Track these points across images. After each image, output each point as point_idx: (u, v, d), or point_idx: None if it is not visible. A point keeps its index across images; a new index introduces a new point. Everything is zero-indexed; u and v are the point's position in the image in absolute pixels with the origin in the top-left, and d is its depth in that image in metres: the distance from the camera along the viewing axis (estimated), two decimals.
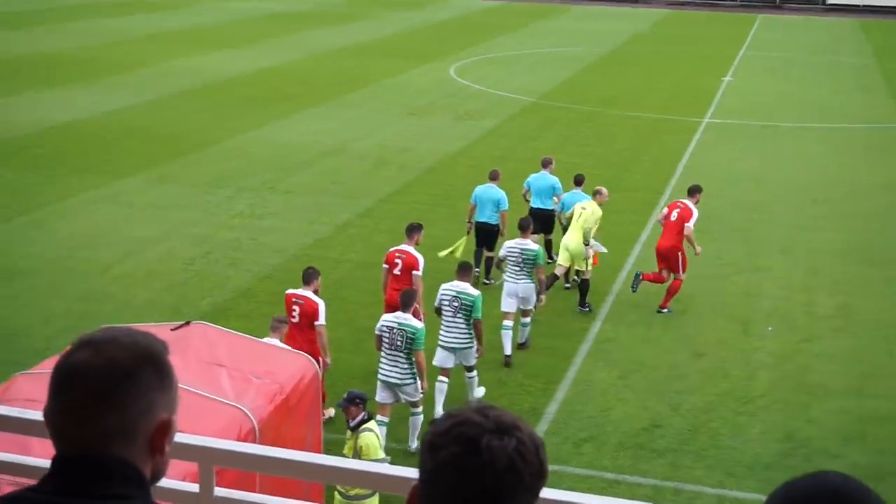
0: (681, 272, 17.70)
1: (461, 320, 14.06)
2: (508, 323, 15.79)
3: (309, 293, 13.81)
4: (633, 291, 17.96)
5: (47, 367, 9.51)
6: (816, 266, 20.44)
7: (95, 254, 19.67)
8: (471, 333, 14.10)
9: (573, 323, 17.29)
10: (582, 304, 17.73)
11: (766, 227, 22.76)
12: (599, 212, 17.61)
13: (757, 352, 16.51)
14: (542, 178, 19.44)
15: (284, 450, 3.65)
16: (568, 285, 18.63)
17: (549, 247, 19.20)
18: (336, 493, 11.02)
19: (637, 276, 17.94)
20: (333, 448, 12.12)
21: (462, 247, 17.91)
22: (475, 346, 14.10)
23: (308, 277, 14.10)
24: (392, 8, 66.34)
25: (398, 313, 13.18)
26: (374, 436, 11.01)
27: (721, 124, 33.86)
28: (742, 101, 38.18)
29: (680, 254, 17.63)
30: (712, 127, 33.40)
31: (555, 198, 19.13)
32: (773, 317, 17.88)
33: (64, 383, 2.39)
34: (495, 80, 40.72)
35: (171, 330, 10.74)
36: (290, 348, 12.06)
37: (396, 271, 15.29)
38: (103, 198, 23.14)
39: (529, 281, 15.97)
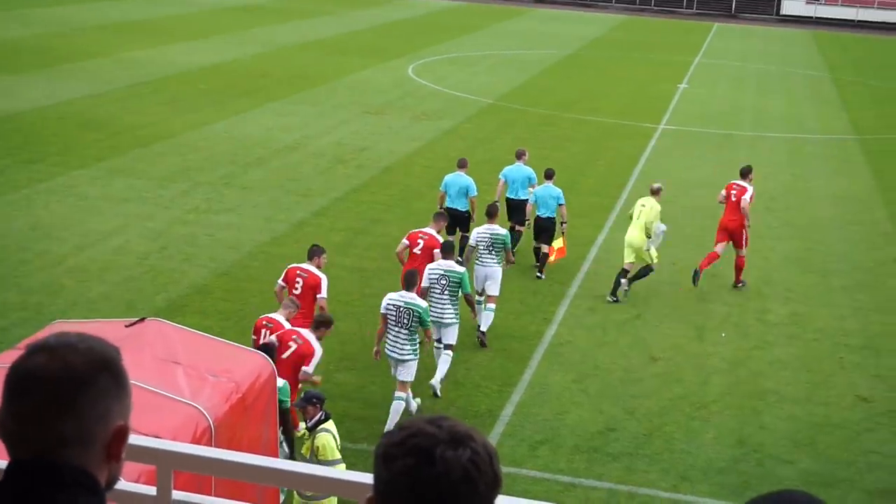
0: (743, 248, 19.42)
1: (447, 298, 14.88)
2: (481, 298, 16.72)
3: (312, 268, 14.36)
4: (695, 285, 19.17)
5: (3, 360, 9.37)
6: (770, 274, 20.65)
7: (49, 246, 19.44)
8: (456, 311, 14.93)
9: (529, 326, 17.34)
10: (631, 281, 18.71)
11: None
12: (658, 207, 18.73)
13: (711, 357, 16.65)
14: (518, 170, 20.22)
15: (243, 454, 3.63)
16: (540, 275, 19.43)
17: (518, 237, 19.85)
18: (295, 492, 10.98)
19: (696, 272, 19.17)
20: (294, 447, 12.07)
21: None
22: (458, 324, 15.07)
23: (311, 253, 14.70)
24: (352, 5, 66.17)
25: (403, 293, 13.80)
26: (330, 436, 10.98)
27: (676, 131, 34.12)
28: (697, 109, 38.50)
29: (744, 230, 19.35)
30: (668, 133, 33.66)
31: (529, 188, 19.84)
32: (727, 323, 18.05)
33: (19, 388, 2.36)
34: (454, 80, 40.76)
35: (126, 326, 10.63)
36: (248, 348, 11.96)
37: (416, 250, 15.99)
38: (57, 189, 22.87)
39: (497, 264, 16.81)
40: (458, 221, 19.17)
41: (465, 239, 18.76)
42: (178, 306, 17.06)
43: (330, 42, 49.19)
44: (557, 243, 18.97)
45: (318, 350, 12.58)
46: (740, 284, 19.59)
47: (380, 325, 13.92)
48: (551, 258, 18.99)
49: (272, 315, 13.14)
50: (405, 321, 13.61)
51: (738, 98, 41.54)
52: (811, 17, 76.05)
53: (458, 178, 19.45)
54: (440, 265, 15.06)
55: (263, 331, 12.87)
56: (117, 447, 2.41)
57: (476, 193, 19.31)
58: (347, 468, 10.57)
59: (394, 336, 13.70)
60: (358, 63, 42.91)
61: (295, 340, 12.58)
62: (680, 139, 32.91)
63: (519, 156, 20.57)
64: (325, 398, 11.38)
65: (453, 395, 14.54)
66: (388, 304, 13.74)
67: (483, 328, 16.42)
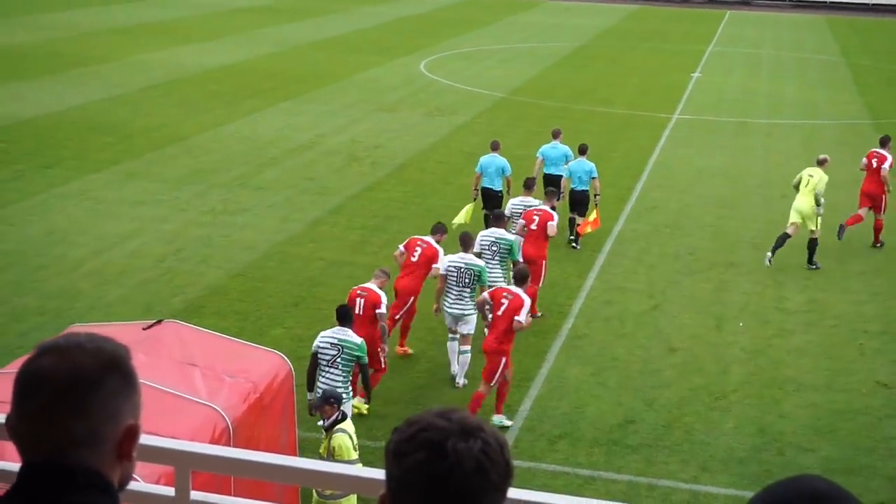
0: (882, 212, 21.20)
1: (496, 263, 16.02)
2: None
3: (432, 240, 15.49)
4: (840, 239, 20.85)
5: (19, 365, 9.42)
6: (787, 261, 20.55)
7: (66, 251, 19.51)
8: (505, 277, 15.97)
9: (546, 320, 17.31)
10: (810, 261, 20.05)
11: (736, 223, 22.87)
12: (826, 177, 20.01)
13: (730, 347, 16.59)
14: (554, 148, 21.72)
15: (260, 453, 3.63)
16: (576, 246, 20.70)
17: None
18: (314, 491, 10.98)
19: (841, 227, 20.86)
20: (310, 446, 12.09)
21: (471, 212, 19.56)
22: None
23: (435, 229, 15.84)
24: (362, 2, 66.17)
25: (462, 254, 15.19)
26: (346, 436, 10.94)
27: (691, 120, 34.01)
28: (711, 97, 38.37)
29: (884, 196, 21.11)
30: (682, 123, 33.55)
31: (564, 165, 21.21)
32: (745, 312, 17.98)
33: (29, 390, 2.36)
34: (466, 75, 40.71)
35: (143, 329, 10.67)
36: (264, 348, 11.97)
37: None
38: (72, 194, 22.95)
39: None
40: (493, 200, 20.21)
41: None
42: (196, 308, 17.10)
43: (340, 40, 49.21)
44: (591, 216, 20.23)
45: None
46: (879, 244, 21.38)
47: (439, 284, 15.19)
48: (588, 229, 20.18)
49: (365, 285, 14.17)
50: (466, 280, 14.98)
51: (752, 85, 41.36)
52: (825, 2, 75.65)
53: (494, 159, 20.55)
54: (493, 232, 16.37)
55: (358, 300, 13.89)
56: (128, 446, 2.41)
57: (511, 173, 20.36)
58: (368, 466, 10.57)
59: (456, 294, 15.00)
60: (369, 60, 42.91)
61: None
62: (695, 128, 32.80)
63: (555, 135, 21.98)
64: (343, 398, 11.37)
65: (471, 391, 14.51)
66: (449, 265, 15.08)
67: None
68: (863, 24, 66.55)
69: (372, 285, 14.08)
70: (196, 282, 18.35)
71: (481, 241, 16.07)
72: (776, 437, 13.80)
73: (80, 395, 2.34)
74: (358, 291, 14.03)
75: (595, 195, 20.55)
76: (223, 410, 9.62)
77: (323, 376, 12.59)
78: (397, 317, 15.38)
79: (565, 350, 16.26)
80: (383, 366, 14.18)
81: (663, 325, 17.29)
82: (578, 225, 20.44)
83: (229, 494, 7.53)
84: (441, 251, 15.62)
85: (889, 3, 74.90)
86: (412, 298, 15.51)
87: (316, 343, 12.77)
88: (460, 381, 14.90)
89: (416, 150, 28.39)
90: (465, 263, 15.03)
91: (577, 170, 20.60)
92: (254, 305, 17.41)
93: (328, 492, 10.86)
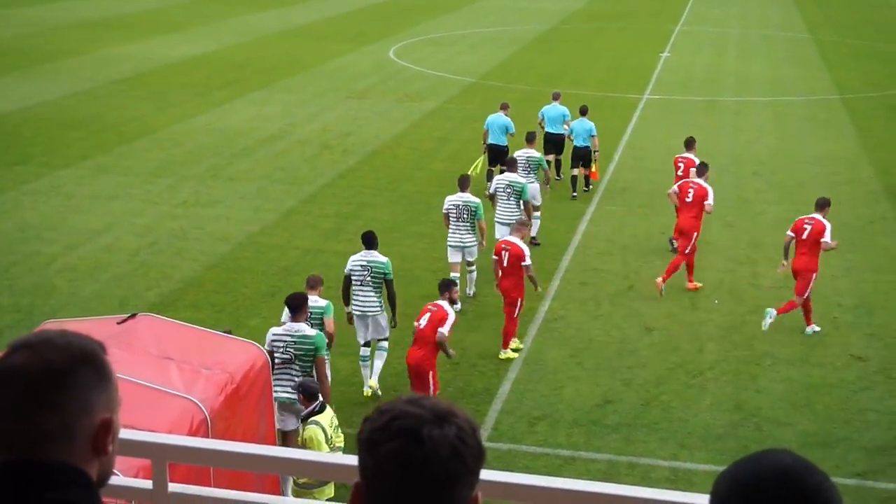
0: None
1: (513, 203, 18.02)
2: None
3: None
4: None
5: None
6: (760, 238, 20.67)
7: (39, 247, 19.38)
8: (520, 213, 17.76)
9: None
10: None
11: None
12: None
13: (705, 325, 16.69)
14: (554, 109, 23.77)
15: (236, 443, 3.63)
16: (575, 196, 22.86)
17: (558, 165, 23.88)
18: (292, 479, 10.96)
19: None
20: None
21: (481, 163, 22.25)
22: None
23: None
24: None
25: (460, 194, 17.00)
26: (318, 429, 10.84)
27: (660, 100, 34.11)
28: (680, 77, 38.48)
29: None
30: (652, 103, 33.64)
31: (564, 124, 23.49)
32: (720, 290, 18.08)
33: (0, 387, 2.35)
34: (435, 61, 40.66)
35: (118, 323, 10.62)
36: (240, 339, 11.94)
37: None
38: (43, 190, 22.79)
39: (534, 179, 19.84)
40: (498, 155, 22.19)
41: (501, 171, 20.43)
42: (171, 301, 17.04)
43: (308, 29, 49.02)
44: (592, 167, 23.02)
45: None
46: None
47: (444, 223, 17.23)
48: (596, 178, 23.38)
49: (508, 238, 15.55)
50: (465, 216, 16.89)
51: (721, 64, 41.51)
52: None
53: (499, 118, 22.64)
54: (506, 176, 18.44)
55: (503, 252, 15.22)
56: (103, 441, 2.39)
57: (514, 132, 22.42)
58: (348, 453, 10.57)
59: (462, 229, 16.90)
60: (338, 48, 42.77)
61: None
62: (665, 108, 32.89)
63: (555, 97, 24.22)
64: (318, 388, 11.25)
65: (450, 375, 14.54)
66: (449, 204, 17.01)
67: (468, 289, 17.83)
68: None
69: (514, 238, 15.35)
70: (171, 275, 18.28)
71: (497, 183, 18.39)
72: (753, 412, 13.91)
73: (51, 390, 2.33)
74: (503, 245, 15.30)
75: (594, 151, 22.92)
76: (200, 402, 9.60)
77: (357, 296, 14.27)
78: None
79: (542, 332, 16.31)
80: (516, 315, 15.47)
81: (638, 305, 17.36)
82: (587, 174, 23.19)
83: (209, 485, 7.51)
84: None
85: None
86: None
87: (348, 266, 14.38)
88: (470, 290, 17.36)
89: (387, 136, 28.34)
90: (463, 201, 17.01)
91: (579, 128, 22.91)
92: (230, 297, 17.36)
93: (302, 480, 10.84)
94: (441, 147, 27.39)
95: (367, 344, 14.40)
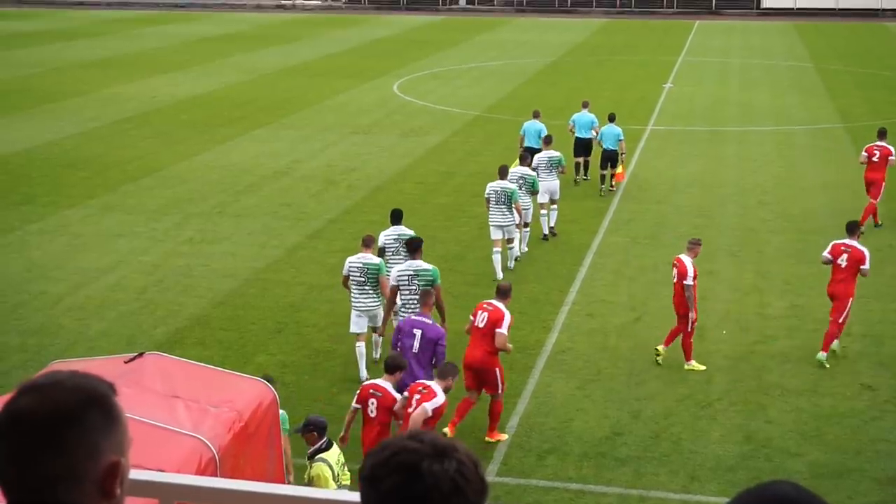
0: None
1: (525, 193, 20.47)
2: (543, 212, 22.39)
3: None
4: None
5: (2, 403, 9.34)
6: (766, 267, 20.64)
7: (45, 287, 19.41)
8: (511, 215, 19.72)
9: (530, 335, 17.32)
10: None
11: (713, 231, 22.94)
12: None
13: (713, 355, 16.63)
14: (583, 116, 26.81)
15: (242, 481, 3.61)
16: (602, 192, 26.02)
17: (587, 166, 26.98)
18: None
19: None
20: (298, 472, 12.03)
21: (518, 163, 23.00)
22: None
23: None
24: (330, 27, 66.34)
25: (499, 181, 19.69)
26: (325, 466, 10.80)
27: (664, 131, 34.17)
28: (684, 107, 38.57)
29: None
30: (656, 134, 33.70)
31: (593, 130, 26.39)
32: (727, 320, 18.03)
33: (8, 430, 2.36)
34: (439, 95, 40.81)
35: (125, 362, 10.60)
36: (247, 376, 11.90)
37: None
38: (49, 230, 22.85)
39: (555, 178, 22.38)
40: (534, 154, 24.53)
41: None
42: (178, 339, 17.03)
43: (311, 65, 49.26)
44: (619, 169, 25.87)
45: None
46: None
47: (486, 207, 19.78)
48: (621, 180, 26.16)
49: (680, 256, 16.13)
50: (503, 200, 19.42)
51: (724, 94, 41.62)
52: (792, 9, 76.25)
53: (534, 124, 25.63)
54: (518, 169, 20.87)
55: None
56: (111, 484, 2.38)
57: (546, 134, 24.43)
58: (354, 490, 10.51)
59: (500, 212, 19.40)
60: (341, 84, 42.96)
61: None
62: (668, 139, 32.95)
63: (584, 105, 27.41)
64: (327, 425, 11.25)
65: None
66: (490, 190, 19.59)
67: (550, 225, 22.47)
68: (830, 28, 67.10)
69: (685, 257, 16.01)
70: (178, 312, 18.28)
71: (490, 189, 19.80)
72: (763, 443, 13.83)
73: (58, 432, 2.33)
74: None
75: (621, 153, 25.85)
76: (208, 440, 9.56)
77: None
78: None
79: (550, 365, 16.26)
80: None
81: (646, 336, 17.31)
82: (613, 176, 25.88)
83: None
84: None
85: (854, 7, 75.52)
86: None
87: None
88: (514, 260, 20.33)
89: (392, 171, 28.40)
90: (502, 187, 19.47)
91: (608, 133, 25.84)
92: (237, 333, 17.35)
93: None
94: (446, 181, 27.44)
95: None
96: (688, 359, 16.05)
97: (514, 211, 19.59)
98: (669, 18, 75.50)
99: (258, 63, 49.36)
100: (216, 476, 9.05)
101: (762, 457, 13.48)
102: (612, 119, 26.38)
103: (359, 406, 12.11)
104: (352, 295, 15.60)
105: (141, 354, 10.91)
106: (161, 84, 42.80)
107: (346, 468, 11.04)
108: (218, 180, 27.19)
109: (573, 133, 26.67)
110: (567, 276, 20.08)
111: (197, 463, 9.27)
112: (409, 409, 11.88)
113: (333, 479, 10.77)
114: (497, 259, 19.73)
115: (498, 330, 13.60)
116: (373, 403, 11.95)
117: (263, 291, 19.23)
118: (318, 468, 10.76)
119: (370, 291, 15.47)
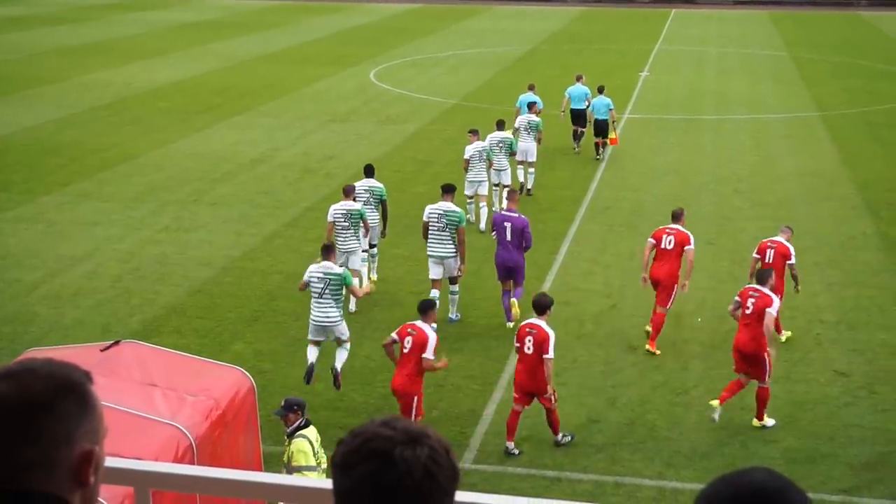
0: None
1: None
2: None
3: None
4: None
5: None
6: (742, 256, 20.73)
7: (20, 274, 19.32)
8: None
9: (506, 323, 17.34)
10: None
11: (690, 220, 22.85)
12: None
13: (689, 343, 16.73)
14: (577, 88, 28.81)
15: (218, 469, 3.62)
16: (599, 157, 28.18)
17: (582, 136, 28.86)
18: None
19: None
20: (274, 460, 12.05)
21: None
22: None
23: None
24: (307, 14, 66.09)
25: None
26: (305, 442, 10.88)
27: (641, 119, 34.26)
28: (660, 96, 38.67)
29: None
30: (633, 122, 33.78)
31: (586, 101, 28.28)
32: (703, 308, 18.13)
33: None
34: (416, 83, 40.76)
35: (101, 350, 10.59)
36: (225, 364, 11.93)
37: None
38: (24, 217, 22.73)
39: (532, 141, 24.39)
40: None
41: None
42: (154, 327, 16.99)
43: (289, 52, 49.09)
44: (612, 134, 27.89)
45: None
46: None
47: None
48: (615, 144, 28.30)
49: (775, 237, 16.62)
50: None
51: (700, 82, 41.74)
52: None
53: (528, 97, 26.60)
54: (496, 134, 22.74)
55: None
56: (85, 472, 2.38)
57: (542, 107, 26.45)
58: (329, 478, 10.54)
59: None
60: (319, 72, 42.84)
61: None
62: (645, 127, 33.04)
63: (578, 78, 29.22)
64: (306, 404, 11.31)
65: (434, 397, 14.54)
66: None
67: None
68: (805, 17, 67.35)
69: (781, 238, 16.57)
70: (154, 300, 18.23)
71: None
72: (738, 429, 13.94)
73: (31, 419, 2.32)
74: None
75: (613, 122, 27.86)
76: (186, 428, 9.58)
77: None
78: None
79: None
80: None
81: (622, 324, 17.40)
82: (609, 142, 27.96)
83: None
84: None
85: None
86: None
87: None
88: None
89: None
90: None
91: (599, 105, 27.70)
92: (213, 322, 17.33)
93: None
94: (423, 169, 27.44)
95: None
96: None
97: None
98: (646, 7, 75.59)
99: (237, 50, 49.17)
100: (194, 464, 9.07)
101: (737, 443, 13.59)
102: (601, 91, 28.17)
103: (397, 339, 13.34)
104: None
105: (117, 343, 10.91)
106: (139, 70, 42.57)
107: (322, 450, 11.06)
108: (195, 168, 27.10)
109: (568, 105, 28.76)
110: (543, 265, 20.12)
111: (174, 451, 9.29)
112: (404, 349, 13.16)
113: (313, 455, 10.83)
114: (483, 213, 22.04)
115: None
116: (408, 341, 13.17)
117: (240, 280, 19.21)
118: (298, 443, 10.85)
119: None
